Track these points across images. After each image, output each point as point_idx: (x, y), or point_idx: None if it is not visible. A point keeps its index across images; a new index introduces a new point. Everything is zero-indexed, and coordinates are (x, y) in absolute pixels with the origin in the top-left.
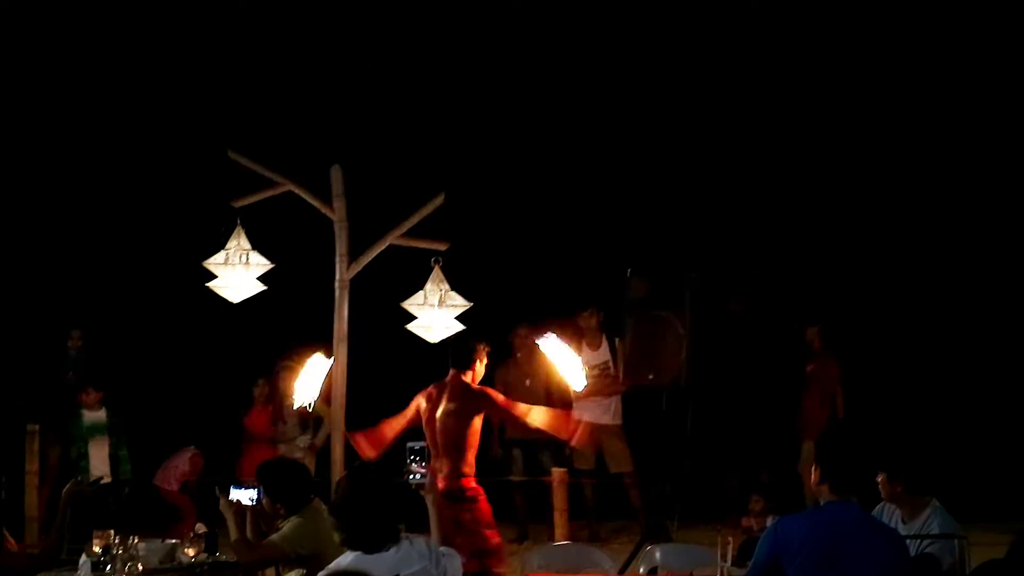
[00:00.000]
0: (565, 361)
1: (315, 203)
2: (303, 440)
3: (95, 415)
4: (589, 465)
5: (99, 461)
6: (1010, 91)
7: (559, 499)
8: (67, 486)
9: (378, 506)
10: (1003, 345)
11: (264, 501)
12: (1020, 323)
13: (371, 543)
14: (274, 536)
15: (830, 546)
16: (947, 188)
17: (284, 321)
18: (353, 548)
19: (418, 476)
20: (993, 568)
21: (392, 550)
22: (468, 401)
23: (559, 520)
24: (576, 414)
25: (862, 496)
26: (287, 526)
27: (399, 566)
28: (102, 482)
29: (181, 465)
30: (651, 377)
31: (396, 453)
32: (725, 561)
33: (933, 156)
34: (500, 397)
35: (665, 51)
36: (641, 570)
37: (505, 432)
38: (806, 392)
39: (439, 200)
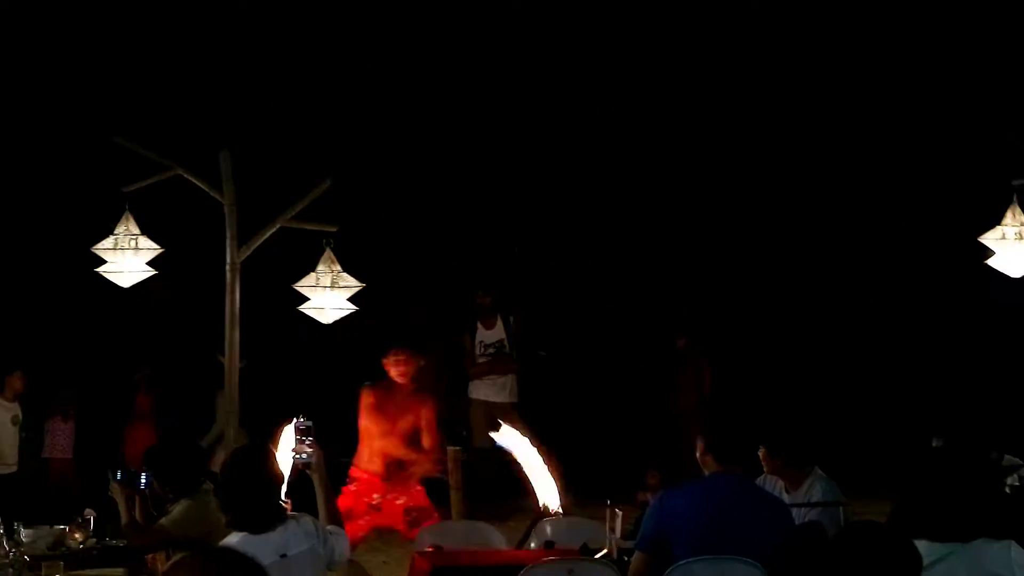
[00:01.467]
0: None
1: (204, 187)
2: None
3: (10, 406)
4: (486, 443)
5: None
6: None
7: (454, 478)
8: None
9: (262, 486)
10: (877, 320)
11: (155, 485)
12: (893, 299)
13: (257, 523)
14: (164, 520)
15: (715, 517)
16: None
17: (175, 305)
18: (239, 529)
19: (305, 455)
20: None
21: (278, 530)
22: None
23: (455, 499)
24: (471, 392)
25: (747, 467)
26: (176, 509)
27: (286, 545)
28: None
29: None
30: (543, 354)
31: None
32: (614, 533)
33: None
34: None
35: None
36: (532, 545)
37: None
38: (678, 371)
39: (326, 184)
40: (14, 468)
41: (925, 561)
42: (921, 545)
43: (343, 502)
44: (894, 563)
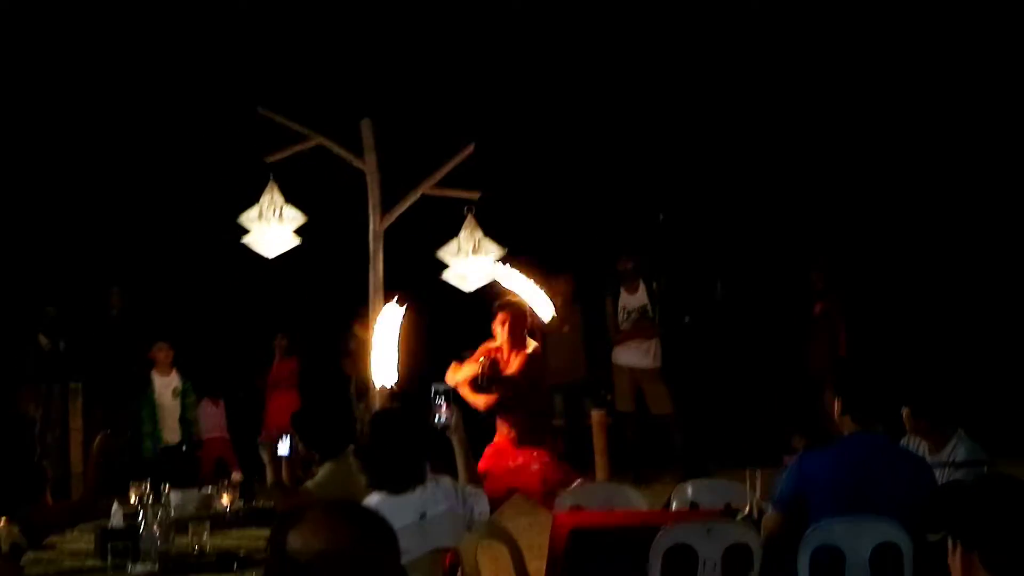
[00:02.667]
0: (524, 288)
1: (346, 156)
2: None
3: (167, 379)
4: (629, 408)
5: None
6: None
7: (599, 441)
8: (97, 439)
9: (402, 448)
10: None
11: (301, 449)
12: None
13: (396, 484)
14: (308, 482)
15: (854, 477)
16: (945, 120)
17: (320, 274)
18: (379, 490)
19: (443, 417)
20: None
21: (418, 491)
22: None
23: (600, 462)
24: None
25: (886, 426)
26: (321, 472)
27: (425, 506)
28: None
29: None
30: (687, 319)
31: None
32: (755, 494)
33: (930, 90)
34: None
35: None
36: (675, 506)
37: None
38: (814, 336)
39: (469, 150)
40: (177, 440)
41: None
42: None
43: (482, 463)
44: None
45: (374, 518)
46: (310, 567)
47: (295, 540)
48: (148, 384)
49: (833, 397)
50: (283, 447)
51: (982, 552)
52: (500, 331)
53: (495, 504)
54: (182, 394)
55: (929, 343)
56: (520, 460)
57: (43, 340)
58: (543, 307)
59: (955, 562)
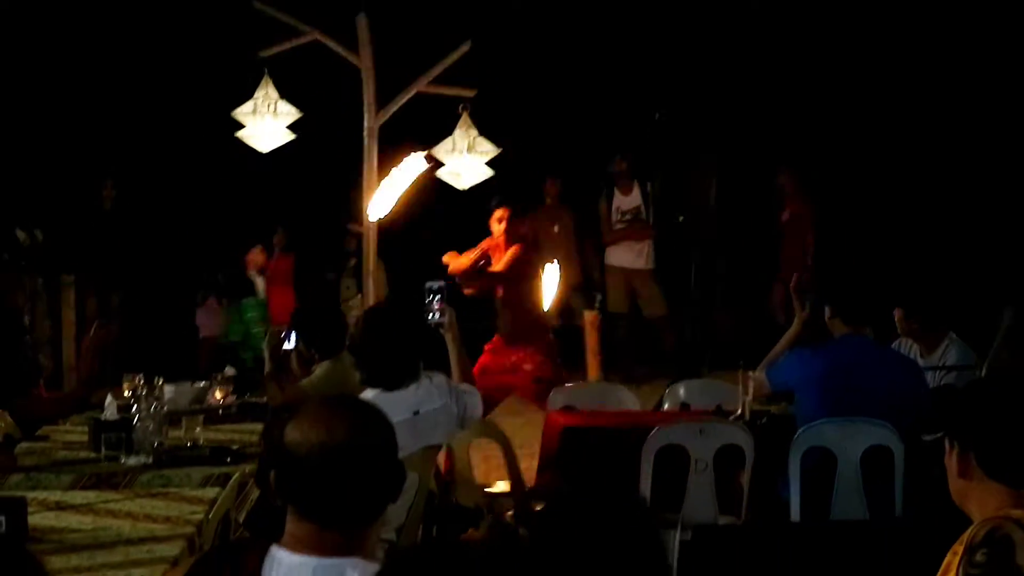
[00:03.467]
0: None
1: (342, 52)
2: (356, 301)
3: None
4: (622, 309)
5: None
6: None
7: (591, 341)
8: (91, 331)
9: (396, 344)
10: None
11: (300, 347)
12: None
13: (390, 381)
14: (304, 381)
15: (845, 378)
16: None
17: (314, 171)
18: (373, 386)
19: (437, 315)
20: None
21: (412, 387)
22: None
23: (592, 362)
24: (607, 258)
25: (876, 328)
26: (317, 371)
27: (419, 403)
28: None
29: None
30: (681, 220)
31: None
32: (747, 395)
33: None
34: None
35: None
36: (666, 406)
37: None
38: (783, 239)
39: (465, 47)
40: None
41: None
42: None
43: (479, 361)
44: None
45: (372, 411)
46: (308, 459)
47: (293, 432)
48: (251, 286)
49: (802, 300)
50: (288, 342)
51: (979, 452)
52: (497, 228)
53: (491, 402)
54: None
55: (920, 245)
56: (514, 358)
57: (20, 234)
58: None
59: (951, 462)
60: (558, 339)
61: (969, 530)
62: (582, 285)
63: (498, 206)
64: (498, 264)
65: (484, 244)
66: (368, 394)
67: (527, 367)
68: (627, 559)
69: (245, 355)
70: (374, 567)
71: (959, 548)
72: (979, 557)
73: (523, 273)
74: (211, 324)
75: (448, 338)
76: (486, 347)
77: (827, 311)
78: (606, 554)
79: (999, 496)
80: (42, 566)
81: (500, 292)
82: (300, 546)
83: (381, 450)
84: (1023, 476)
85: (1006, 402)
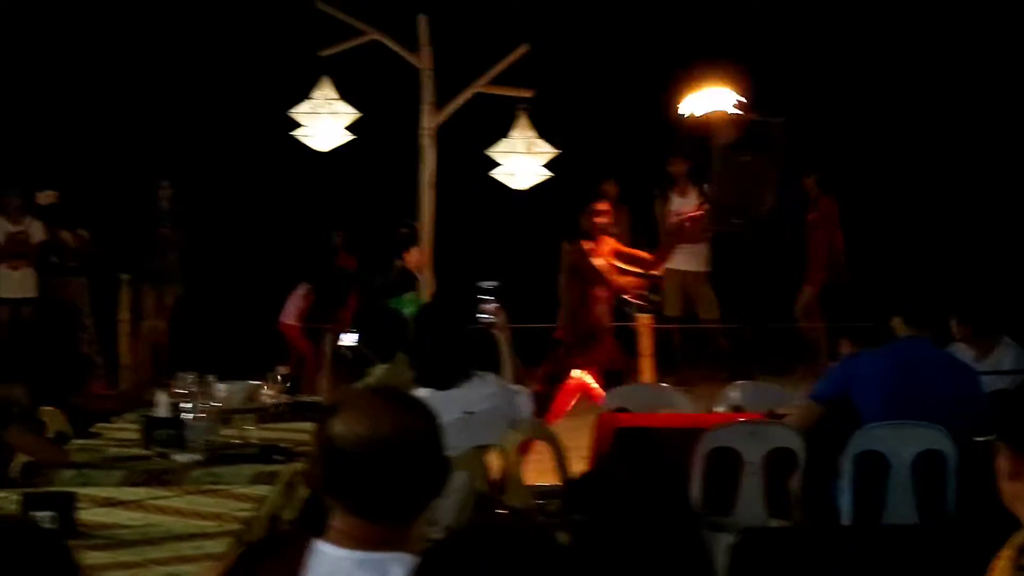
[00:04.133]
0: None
1: (401, 52)
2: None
3: None
4: (677, 312)
5: None
6: None
7: (645, 344)
8: (145, 327)
9: (449, 343)
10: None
11: (361, 346)
12: None
13: (441, 380)
14: (359, 383)
15: (903, 379)
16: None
17: (370, 170)
18: (424, 385)
19: (489, 316)
20: None
21: (463, 387)
22: None
23: (645, 365)
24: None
25: (936, 333)
26: (374, 373)
27: (470, 403)
28: None
29: (297, 301)
30: (738, 222)
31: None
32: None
33: None
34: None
35: None
36: (719, 409)
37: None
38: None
39: (524, 48)
40: None
41: None
42: None
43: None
44: None
45: (418, 406)
46: (352, 453)
47: (338, 425)
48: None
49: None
50: (348, 340)
51: None
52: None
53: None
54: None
55: (970, 249)
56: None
57: (66, 235)
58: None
59: (1002, 464)
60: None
61: (1019, 532)
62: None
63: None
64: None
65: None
66: (420, 393)
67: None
68: (670, 562)
69: None
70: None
71: (1008, 552)
72: None
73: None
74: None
75: (500, 338)
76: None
77: (891, 311)
78: (649, 557)
79: None
80: (77, 563)
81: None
82: (344, 540)
83: (427, 444)
84: None
85: None
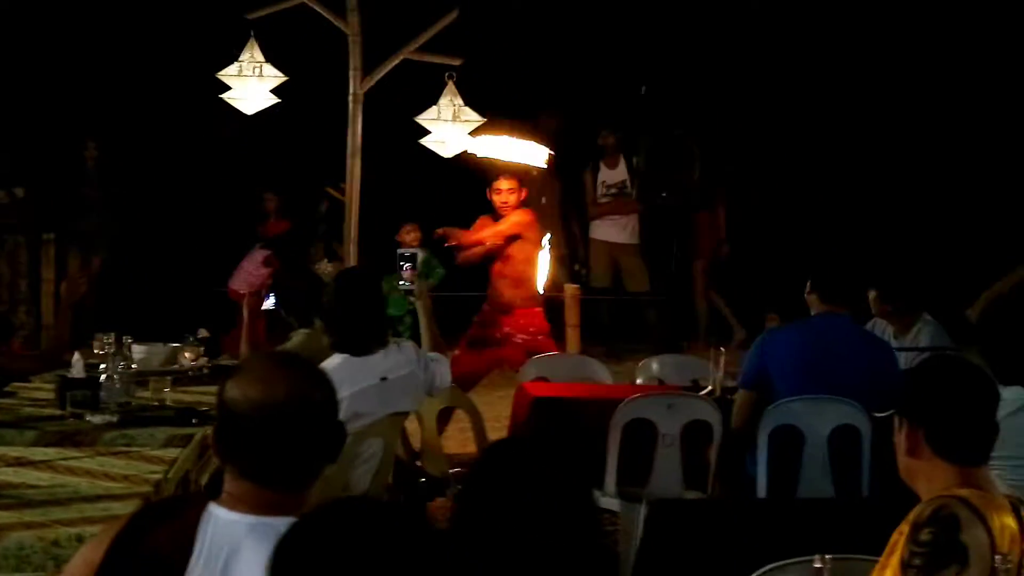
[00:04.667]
0: (508, 149)
1: (329, 16)
2: (324, 266)
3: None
4: (605, 283)
5: None
6: None
7: (571, 315)
8: (64, 287)
9: (365, 309)
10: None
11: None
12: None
13: (358, 346)
14: (278, 348)
15: (818, 355)
16: None
17: (299, 134)
18: (341, 351)
19: (408, 283)
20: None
21: (379, 354)
22: None
23: (571, 336)
24: (592, 231)
25: (853, 309)
26: (293, 340)
27: (386, 369)
28: None
29: (252, 268)
30: (665, 196)
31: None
32: (719, 371)
33: None
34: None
35: None
36: (639, 380)
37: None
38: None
39: (453, 15)
40: None
41: (1013, 407)
42: (1012, 390)
43: (471, 331)
44: (972, 393)
45: (315, 373)
46: (244, 417)
47: (232, 389)
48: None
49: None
50: (269, 302)
51: (927, 430)
52: (511, 198)
53: (476, 376)
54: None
55: (894, 227)
56: (506, 329)
57: None
58: (534, 155)
59: (901, 439)
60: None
61: (915, 508)
62: (565, 258)
63: (504, 176)
64: (502, 224)
65: (486, 225)
66: (336, 359)
67: (518, 339)
68: (553, 514)
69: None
70: None
71: (905, 527)
72: (924, 536)
73: (526, 240)
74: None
75: (419, 306)
76: (475, 319)
77: (807, 287)
78: (530, 508)
79: (946, 474)
80: None
81: (498, 262)
82: (236, 504)
83: (320, 410)
84: (970, 455)
85: (955, 381)
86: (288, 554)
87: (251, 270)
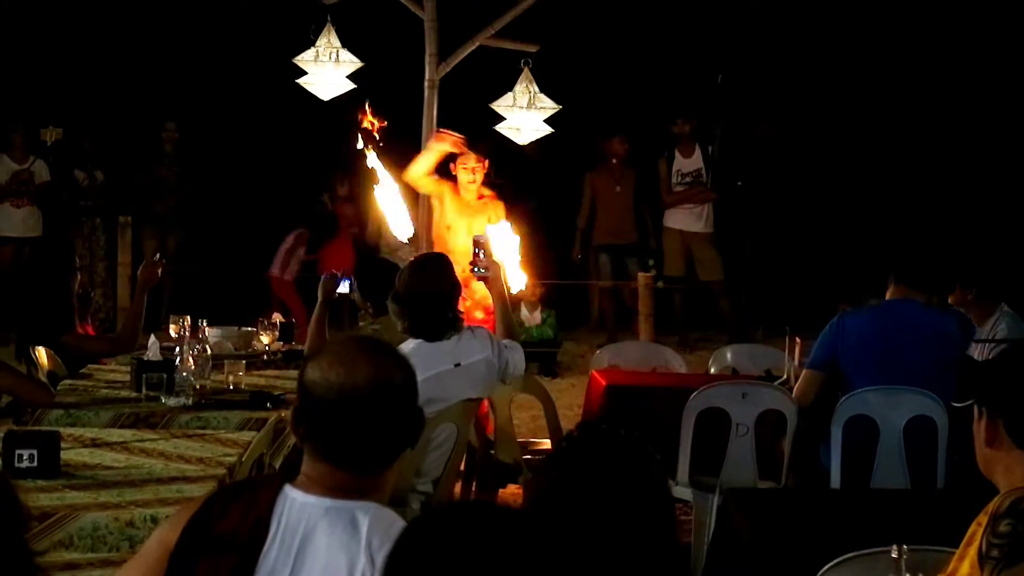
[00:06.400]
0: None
1: (405, 2)
2: (405, 251)
3: None
4: (679, 272)
5: None
6: None
7: (644, 304)
8: (140, 271)
9: (439, 294)
10: None
11: (355, 296)
12: None
13: (432, 332)
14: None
15: (892, 341)
16: None
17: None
18: (414, 336)
19: (483, 269)
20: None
21: (453, 339)
22: None
23: (644, 326)
24: (666, 220)
25: (929, 297)
26: (368, 329)
27: (460, 355)
28: None
29: (289, 245)
30: (740, 184)
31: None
32: (792, 360)
33: None
34: None
35: None
36: (712, 370)
37: (592, 238)
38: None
39: (529, 1)
40: None
41: None
42: None
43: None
44: None
45: (394, 355)
46: (324, 399)
47: (312, 372)
48: None
49: None
50: (344, 286)
51: (1007, 420)
52: (479, 176)
53: None
54: None
55: (974, 217)
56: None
57: (79, 174)
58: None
59: (980, 430)
60: (613, 301)
61: (994, 500)
62: (638, 247)
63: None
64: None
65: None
66: (409, 344)
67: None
68: (627, 501)
69: None
70: (386, 512)
71: (983, 519)
72: (1003, 527)
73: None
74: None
75: (492, 292)
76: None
77: (888, 272)
78: (605, 497)
79: None
80: (17, 500)
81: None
82: (312, 486)
83: (399, 395)
84: None
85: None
86: (405, 557)
87: (283, 254)
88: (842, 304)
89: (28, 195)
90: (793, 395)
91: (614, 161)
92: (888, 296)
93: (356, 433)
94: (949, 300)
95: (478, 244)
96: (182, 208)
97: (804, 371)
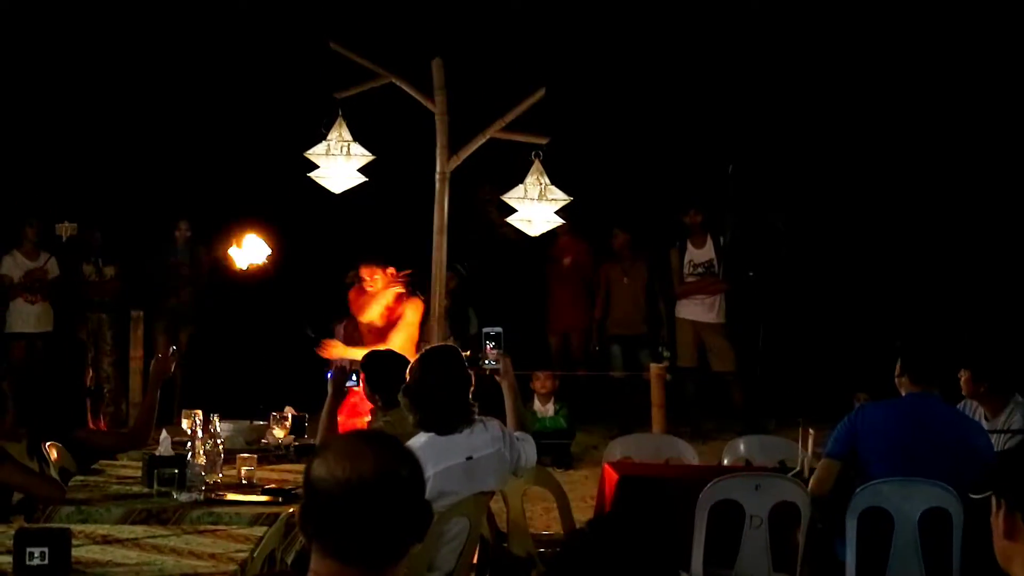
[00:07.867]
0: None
1: (416, 95)
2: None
3: None
4: (691, 363)
5: None
6: None
7: (656, 395)
8: (153, 365)
9: (451, 388)
10: None
11: (362, 389)
12: None
13: (443, 425)
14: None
15: (910, 435)
16: None
17: (384, 212)
18: (426, 430)
19: (493, 362)
20: None
21: (465, 432)
22: None
23: (657, 416)
24: (678, 311)
25: (943, 389)
26: (378, 422)
27: (472, 448)
28: None
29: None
30: (751, 275)
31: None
32: (806, 452)
33: None
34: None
35: None
36: (726, 461)
37: (605, 329)
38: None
39: (540, 94)
40: None
41: None
42: None
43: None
44: None
45: (400, 449)
46: (330, 495)
47: (319, 467)
48: None
49: None
50: (352, 380)
51: None
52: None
53: None
54: None
55: (986, 307)
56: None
57: (87, 268)
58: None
59: (998, 521)
60: (624, 391)
61: None
62: (649, 338)
63: (365, 264)
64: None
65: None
66: (421, 438)
67: None
68: None
69: None
70: None
71: None
72: None
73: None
74: None
75: (504, 385)
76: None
77: (896, 368)
78: None
79: None
80: None
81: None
82: None
83: (406, 488)
84: None
85: None
86: None
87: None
88: (859, 393)
89: (42, 291)
90: (810, 484)
91: (623, 252)
92: (903, 391)
93: (363, 528)
94: (962, 391)
95: (489, 336)
96: (194, 302)
97: (822, 460)
